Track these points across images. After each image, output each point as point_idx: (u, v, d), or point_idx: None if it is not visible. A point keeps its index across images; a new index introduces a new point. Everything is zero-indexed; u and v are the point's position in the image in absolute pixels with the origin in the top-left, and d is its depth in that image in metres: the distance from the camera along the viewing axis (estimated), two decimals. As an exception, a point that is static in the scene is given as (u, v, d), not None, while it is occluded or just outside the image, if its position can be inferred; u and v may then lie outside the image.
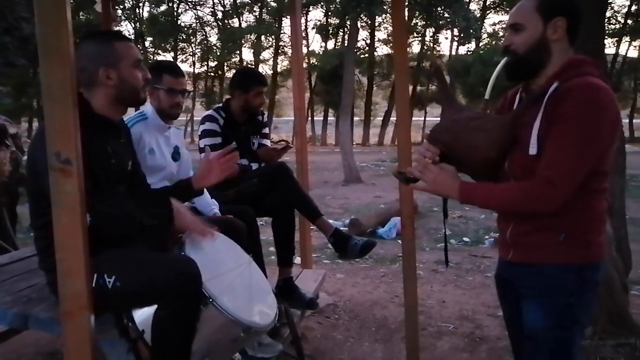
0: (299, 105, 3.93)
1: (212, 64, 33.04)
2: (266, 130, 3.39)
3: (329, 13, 28.03)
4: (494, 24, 38.26)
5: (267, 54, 31.73)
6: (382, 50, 30.75)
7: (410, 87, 25.00)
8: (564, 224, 1.48)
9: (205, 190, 2.53)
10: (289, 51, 24.13)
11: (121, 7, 28.24)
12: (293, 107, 4.04)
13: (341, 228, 3.95)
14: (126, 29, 29.58)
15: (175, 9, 30.40)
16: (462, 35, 27.17)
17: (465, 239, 6.27)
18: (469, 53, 28.68)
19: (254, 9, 31.07)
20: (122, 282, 1.73)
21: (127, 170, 2.02)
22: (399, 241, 4.65)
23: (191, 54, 32.57)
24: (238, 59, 31.15)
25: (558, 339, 1.51)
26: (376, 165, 16.44)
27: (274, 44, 30.37)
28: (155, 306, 1.74)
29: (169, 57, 30.82)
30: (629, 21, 25.28)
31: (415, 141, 19.90)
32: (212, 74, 33.75)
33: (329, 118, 31.52)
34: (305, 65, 25.64)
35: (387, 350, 3.08)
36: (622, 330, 2.99)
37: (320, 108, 32.40)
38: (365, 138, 29.66)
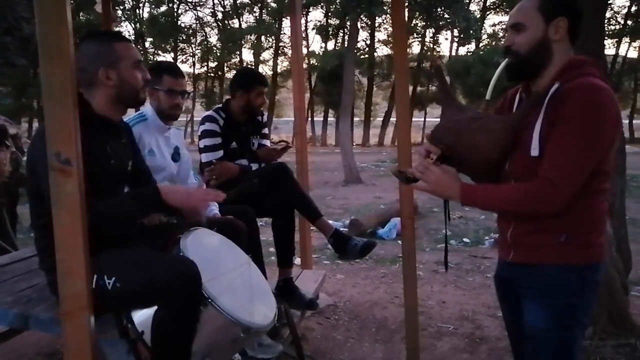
0: (299, 106, 3.93)
1: (212, 64, 33.09)
2: (266, 130, 3.39)
3: (329, 14, 28.08)
4: (494, 25, 38.24)
5: (267, 55, 31.83)
6: (382, 50, 30.82)
7: (410, 88, 25.02)
8: (564, 225, 1.47)
9: None
10: (289, 52, 24.17)
11: (121, 7, 28.34)
12: (293, 108, 4.04)
13: (341, 228, 3.96)
14: (126, 29, 29.69)
15: (175, 10, 30.44)
16: (462, 35, 27.13)
17: (466, 239, 6.27)
18: (469, 54, 28.70)
19: (254, 9, 31.11)
20: (122, 282, 1.73)
21: (128, 170, 2.02)
22: (399, 242, 4.65)
23: (191, 54, 32.64)
24: (238, 59, 31.18)
25: (559, 339, 1.51)
26: (376, 166, 16.45)
27: (274, 44, 30.39)
28: (155, 307, 1.74)
29: (169, 57, 30.90)
30: (629, 22, 25.30)
31: (415, 142, 19.93)
32: (212, 74, 33.78)
33: (329, 118, 31.55)
34: (305, 65, 25.64)
35: (387, 350, 3.08)
36: (622, 330, 2.99)
37: (320, 108, 32.41)
38: (366, 138, 29.68)
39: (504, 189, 1.53)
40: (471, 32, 23.95)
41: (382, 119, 30.53)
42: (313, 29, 30.01)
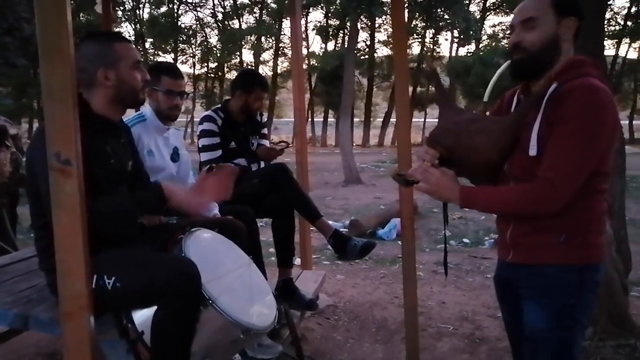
0: (299, 106, 3.93)
1: (212, 65, 33.09)
2: (265, 130, 3.40)
3: (329, 14, 28.09)
4: (494, 26, 38.36)
5: (267, 55, 31.85)
6: (382, 51, 30.84)
7: (410, 88, 25.04)
8: (564, 225, 1.47)
9: None
10: (289, 52, 24.14)
11: (121, 8, 28.31)
12: (293, 108, 4.04)
13: (341, 229, 3.96)
14: (126, 30, 29.69)
15: (176, 10, 30.44)
16: (462, 36, 27.18)
17: (465, 240, 6.26)
18: (469, 54, 28.71)
19: (254, 10, 31.12)
20: (122, 282, 1.73)
21: (127, 170, 2.02)
22: (399, 242, 4.65)
23: (191, 55, 32.65)
24: (238, 60, 31.19)
25: (558, 339, 1.51)
26: (376, 166, 16.44)
27: (274, 45, 30.40)
28: (155, 308, 1.74)
29: (169, 58, 30.91)
30: (629, 23, 25.30)
31: (415, 142, 19.92)
32: (212, 75, 33.78)
33: (329, 119, 31.55)
34: (305, 66, 25.64)
35: (387, 351, 3.08)
36: (622, 331, 2.99)
37: (320, 109, 32.42)
38: (365, 139, 29.68)
39: (503, 191, 1.53)
40: (471, 32, 23.98)
41: (382, 119, 30.53)
42: (313, 29, 30.08)
